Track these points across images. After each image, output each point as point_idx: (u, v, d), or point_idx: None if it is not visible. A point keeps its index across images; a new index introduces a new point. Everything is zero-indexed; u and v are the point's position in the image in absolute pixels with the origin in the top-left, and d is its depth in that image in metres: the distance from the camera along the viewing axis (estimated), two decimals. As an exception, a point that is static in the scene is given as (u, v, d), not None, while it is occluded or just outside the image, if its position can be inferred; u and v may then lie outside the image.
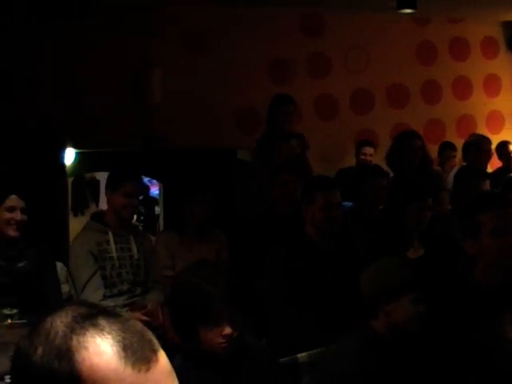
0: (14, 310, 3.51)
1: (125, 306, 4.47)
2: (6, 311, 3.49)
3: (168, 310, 2.82)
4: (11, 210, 4.06)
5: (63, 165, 5.95)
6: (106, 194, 4.82)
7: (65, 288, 4.47)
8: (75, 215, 9.40)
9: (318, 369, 3.32)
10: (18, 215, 4.04)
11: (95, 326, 1.10)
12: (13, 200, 4.07)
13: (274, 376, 2.92)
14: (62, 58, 6.70)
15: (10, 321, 3.43)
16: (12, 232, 4.06)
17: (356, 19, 7.87)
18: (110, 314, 1.14)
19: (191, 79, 7.21)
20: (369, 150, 7.43)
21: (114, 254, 4.66)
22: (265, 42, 7.56)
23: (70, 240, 6.07)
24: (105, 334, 1.08)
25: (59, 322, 1.11)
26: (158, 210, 9.17)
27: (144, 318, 4.23)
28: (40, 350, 1.09)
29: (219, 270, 2.95)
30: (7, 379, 3.02)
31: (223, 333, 2.63)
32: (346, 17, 7.84)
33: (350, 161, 7.60)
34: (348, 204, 5.55)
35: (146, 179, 9.71)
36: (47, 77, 6.51)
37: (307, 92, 7.67)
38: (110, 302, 4.38)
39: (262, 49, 7.55)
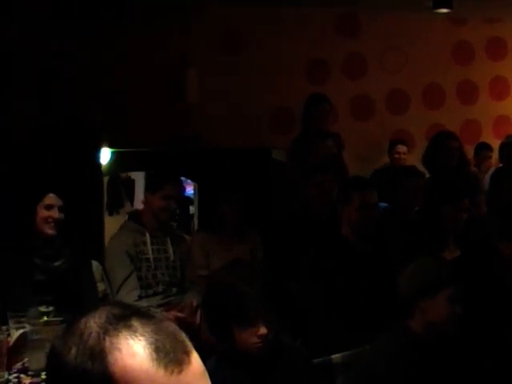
0: (50, 308, 3.54)
1: (160, 306, 4.49)
2: (43, 309, 3.52)
3: (203, 309, 2.82)
4: (49, 208, 4.11)
5: (99, 164, 5.99)
6: (145, 195, 4.83)
7: (100, 286, 4.51)
8: (110, 214, 9.45)
9: (352, 370, 3.31)
10: (55, 213, 4.10)
11: (128, 327, 1.10)
12: (51, 198, 4.13)
13: (308, 377, 2.91)
14: (100, 57, 6.76)
15: (45, 318, 3.46)
16: (49, 230, 4.11)
17: (392, 19, 7.83)
18: (144, 315, 1.14)
19: (228, 79, 7.23)
20: (402, 148, 7.40)
21: (151, 256, 4.68)
22: (301, 43, 7.56)
23: (105, 239, 6.13)
24: (137, 335, 1.09)
25: (93, 323, 1.12)
26: (192, 209, 9.18)
27: (180, 314, 4.26)
28: (74, 350, 1.10)
29: (254, 270, 2.95)
30: (43, 375, 3.06)
31: (258, 333, 2.62)
32: (382, 17, 7.80)
33: (386, 161, 7.56)
34: (383, 205, 5.51)
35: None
36: (85, 77, 6.56)
37: (343, 92, 7.65)
38: (144, 303, 4.41)
39: (298, 49, 7.55)
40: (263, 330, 2.62)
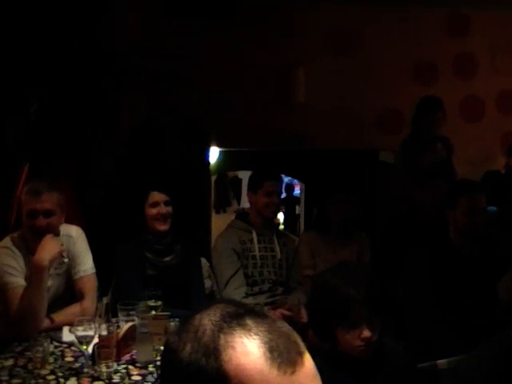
0: (159, 302, 3.61)
1: (266, 304, 4.53)
2: (151, 303, 3.60)
3: (308, 310, 2.84)
4: (155, 205, 4.26)
5: (208, 163, 6.08)
6: (249, 195, 4.91)
7: (207, 283, 4.59)
8: (217, 212, 9.58)
9: (456, 376, 3.25)
10: (162, 209, 4.25)
11: (243, 326, 1.12)
12: (154, 196, 4.28)
13: (412, 381, 2.88)
14: (208, 58, 6.84)
15: (154, 312, 3.53)
16: (161, 226, 4.25)
17: (503, 18, 7.62)
18: (258, 315, 1.15)
19: (335, 79, 7.20)
20: None
21: (257, 253, 4.75)
22: (409, 43, 7.44)
23: (212, 236, 6.21)
24: (252, 334, 1.10)
25: (207, 320, 1.14)
26: (298, 209, 9.20)
27: (287, 313, 4.28)
28: (188, 347, 1.12)
29: (360, 273, 2.93)
30: (150, 367, 3.13)
31: (362, 336, 2.62)
32: (492, 16, 7.59)
33: (496, 164, 7.36)
34: (493, 208, 5.38)
35: (288, 179, 9.77)
36: (194, 77, 6.66)
37: (452, 93, 7.49)
38: (251, 300, 4.46)
39: (406, 49, 7.44)
40: (367, 333, 2.62)
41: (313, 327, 2.84)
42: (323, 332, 2.73)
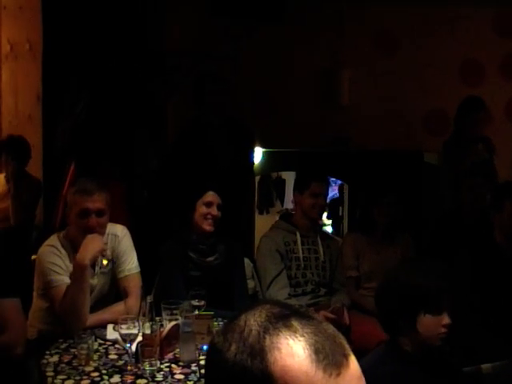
0: (202, 302, 3.63)
1: (309, 305, 4.52)
2: (195, 302, 3.61)
3: (377, 302, 2.81)
4: (209, 205, 4.28)
5: (252, 164, 6.09)
6: (294, 196, 4.92)
7: (250, 284, 4.59)
8: (260, 213, 9.58)
9: (501, 381, 3.22)
10: (214, 210, 4.27)
11: (288, 327, 1.11)
12: (210, 196, 4.29)
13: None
14: (255, 58, 6.85)
15: (197, 312, 3.55)
16: (207, 226, 4.27)
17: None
18: (303, 316, 1.14)
19: (380, 80, 7.17)
20: None
21: (301, 255, 4.75)
22: (456, 43, 7.37)
23: (255, 237, 6.22)
24: (297, 336, 1.09)
25: (253, 321, 1.14)
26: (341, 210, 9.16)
27: (330, 315, 4.27)
28: (233, 347, 1.12)
29: (435, 264, 2.94)
30: (193, 367, 3.15)
31: (443, 322, 2.63)
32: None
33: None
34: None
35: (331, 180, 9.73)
36: (239, 77, 6.66)
37: (499, 94, 7.39)
38: (294, 302, 4.45)
39: (452, 49, 7.36)
40: (447, 320, 2.63)
41: (382, 319, 2.82)
42: (396, 322, 2.72)
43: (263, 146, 7.06)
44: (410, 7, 7.14)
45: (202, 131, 5.50)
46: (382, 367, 2.56)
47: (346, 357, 1.11)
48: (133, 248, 4.01)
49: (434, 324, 2.64)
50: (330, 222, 9.39)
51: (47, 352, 3.29)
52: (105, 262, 3.83)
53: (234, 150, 5.51)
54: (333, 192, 10.00)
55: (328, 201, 6.24)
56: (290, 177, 9.04)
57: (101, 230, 3.78)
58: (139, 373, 3.04)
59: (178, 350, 3.32)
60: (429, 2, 7.08)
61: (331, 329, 1.15)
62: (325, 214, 9.23)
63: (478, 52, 7.44)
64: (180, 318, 3.38)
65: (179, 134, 5.76)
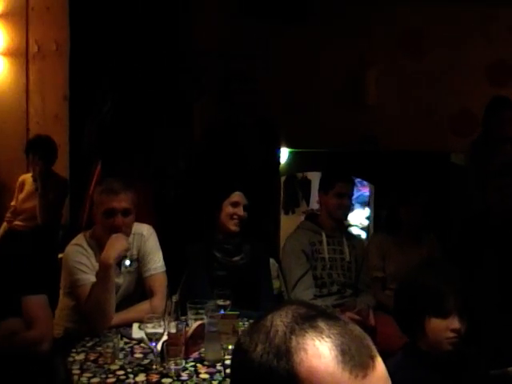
0: (228, 302, 3.64)
1: (334, 306, 4.51)
2: (220, 302, 3.62)
3: (395, 304, 2.80)
4: (235, 205, 4.28)
5: (278, 163, 6.08)
6: (319, 196, 4.91)
7: (276, 284, 4.59)
8: (286, 213, 9.55)
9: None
10: (240, 211, 4.28)
11: (314, 328, 1.10)
12: (237, 196, 4.30)
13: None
14: (280, 58, 6.85)
15: (222, 311, 3.55)
16: (233, 227, 4.27)
17: None
18: (330, 317, 1.14)
19: (407, 80, 7.14)
20: None
21: (326, 255, 4.74)
22: (483, 43, 7.31)
23: (281, 237, 6.21)
24: (324, 337, 1.09)
25: (279, 321, 1.14)
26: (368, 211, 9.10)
27: (356, 317, 4.25)
28: (259, 348, 1.12)
29: (450, 267, 2.92)
30: (219, 366, 3.15)
31: (452, 326, 2.58)
32: None
33: None
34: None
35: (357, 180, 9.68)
36: (265, 77, 6.66)
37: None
38: (319, 302, 4.44)
39: (479, 50, 7.31)
40: (456, 324, 2.58)
41: (398, 319, 2.80)
42: (409, 324, 2.70)
43: (289, 146, 7.05)
44: (437, 7, 7.09)
45: (232, 131, 5.51)
46: (402, 372, 2.54)
47: (372, 358, 1.10)
48: (158, 247, 4.02)
49: (441, 328, 2.60)
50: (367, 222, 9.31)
51: (73, 350, 3.31)
52: (127, 262, 3.85)
53: (264, 151, 5.52)
54: (365, 192, 9.93)
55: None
56: (315, 177, 8.98)
57: (126, 230, 3.79)
58: (164, 372, 3.05)
59: (203, 349, 3.32)
60: (456, 2, 7.03)
61: (357, 330, 1.14)
62: (364, 215, 9.16)
63: (505, 52, 7.37)
64: (205, 317, 3.39)
65: (209, 133, 5.76)
